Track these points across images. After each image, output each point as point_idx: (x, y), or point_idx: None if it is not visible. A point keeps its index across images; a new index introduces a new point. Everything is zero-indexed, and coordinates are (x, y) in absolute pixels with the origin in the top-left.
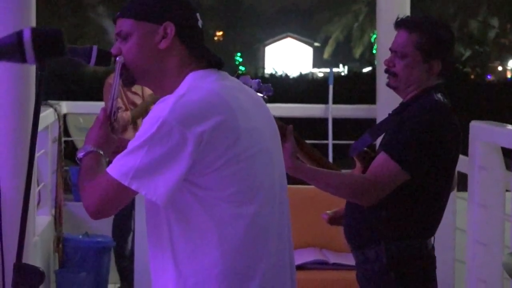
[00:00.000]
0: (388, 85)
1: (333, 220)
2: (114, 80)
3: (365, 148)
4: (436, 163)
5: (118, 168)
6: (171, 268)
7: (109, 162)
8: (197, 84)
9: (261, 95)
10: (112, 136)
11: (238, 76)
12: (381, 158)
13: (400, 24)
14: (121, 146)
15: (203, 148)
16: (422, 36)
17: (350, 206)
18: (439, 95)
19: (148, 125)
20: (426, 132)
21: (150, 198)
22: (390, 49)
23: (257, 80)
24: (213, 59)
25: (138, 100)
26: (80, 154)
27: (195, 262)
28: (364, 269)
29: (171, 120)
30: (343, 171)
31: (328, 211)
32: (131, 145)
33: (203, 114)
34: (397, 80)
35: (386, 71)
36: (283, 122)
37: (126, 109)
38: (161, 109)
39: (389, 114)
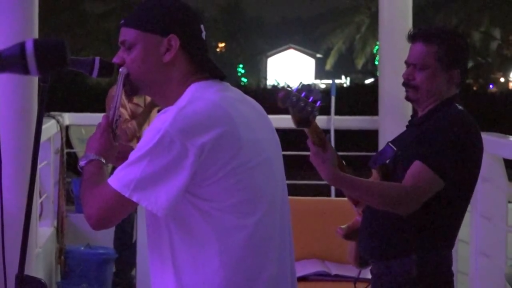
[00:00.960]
0: (407, 98)
1: (349, 235)
2: (117, 90)
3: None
4: (467, 172)
5: (119, 179)
6: (171, 279)
7: (112, 169)
8: (199, 95)
9: (317, 105)
10: (113, 143)
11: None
12: (417, 166)
13: (416, 36)
14: (123, 152)
15: (204, 159)
16: (441, 47)
17: (371, 217)
18: (458, 106)
19: (149, 137)
20: (460, 141)
21: (151, 210)
22: (406, 62)
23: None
24: (216, 70)
25: (140, 111)
26: (82, 162)
27: (196, 273)
28: (384, 281)
29: (172, 132)
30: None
31: (342, 226)
32: (132, 156)
33: (204, 126)
34: (417, 93)
35: (405, 84)
36: (286, 133)
37: (131, 120)
38: (162, 121)
39: (406, 126)
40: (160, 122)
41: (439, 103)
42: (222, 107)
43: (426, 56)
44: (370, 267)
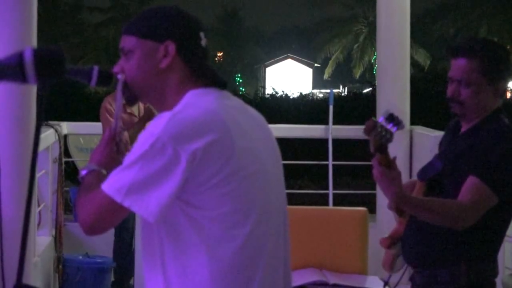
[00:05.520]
0: (453, 112)
1: (392, 244)
2: (117, 97)
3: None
4: None
5: (112, 184)
6: (161, 286)
7: None
8: (194, 102)
9: (394, 131)
10: (116, 155)
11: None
12: (473, 182)
13: (457, 52)
14: None
15: (196, 165)
16: (484, 61)
17: (417, 226)
18: (505, 118)
19: (142, 142)
20: None
21: (142, 215)
22: (450, 77)
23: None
24: (216, 78)
25: (134, 121)
26: (83, 172)
27: (185, 283)
28: None
29: (165, 137)
30: (338, 192)
31: (384, 236)
32: (126, 161)
33: (196, 132)
34: (463, 108)
35: (451, 100)
36: (284, 142)
37: (124, 130)
38: (155, 126)
39: (445, 135)
40: (153, 127)
41: (486, 116)
42: (217, 114)
43: (470, 71)
44: (400, 272)
